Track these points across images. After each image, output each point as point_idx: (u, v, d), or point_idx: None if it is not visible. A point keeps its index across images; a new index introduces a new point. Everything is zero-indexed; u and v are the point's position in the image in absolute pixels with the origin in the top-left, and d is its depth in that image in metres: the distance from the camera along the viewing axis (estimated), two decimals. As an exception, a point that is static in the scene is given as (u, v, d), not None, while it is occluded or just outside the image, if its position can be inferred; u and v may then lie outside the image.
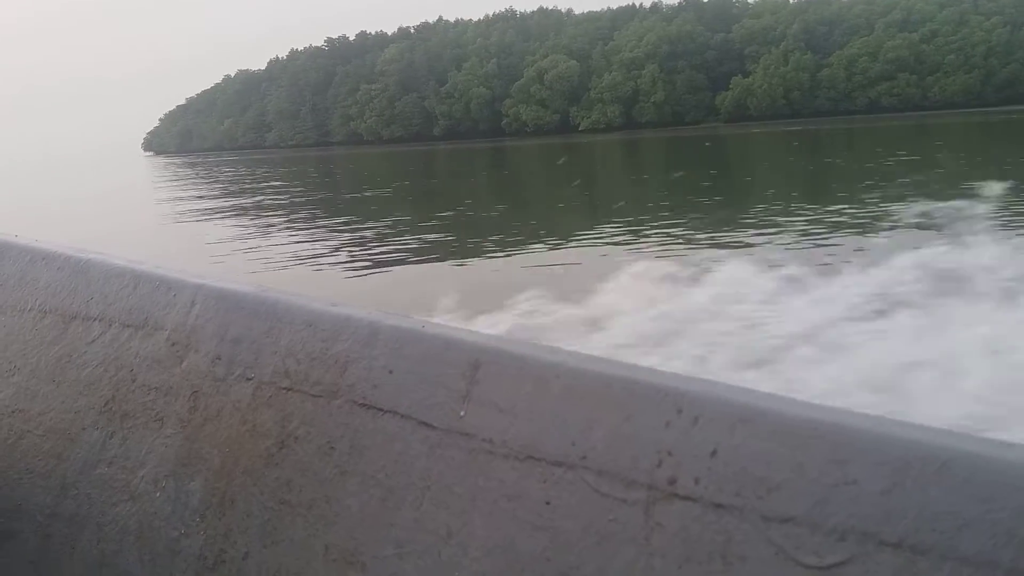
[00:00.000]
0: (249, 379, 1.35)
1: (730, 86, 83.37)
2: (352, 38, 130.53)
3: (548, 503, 1.08)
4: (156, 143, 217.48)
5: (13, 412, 1.51)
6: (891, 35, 74.94)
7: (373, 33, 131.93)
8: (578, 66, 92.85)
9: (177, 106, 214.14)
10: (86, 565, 1.38)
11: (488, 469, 1.13)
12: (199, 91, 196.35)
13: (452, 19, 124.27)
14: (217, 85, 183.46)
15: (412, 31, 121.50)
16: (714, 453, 1.00)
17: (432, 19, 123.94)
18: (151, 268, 1.51)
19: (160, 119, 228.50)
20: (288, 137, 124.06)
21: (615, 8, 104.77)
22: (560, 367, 1.12)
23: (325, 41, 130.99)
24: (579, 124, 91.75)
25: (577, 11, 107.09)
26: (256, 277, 11.74)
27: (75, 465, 1.44)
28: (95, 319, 1.51)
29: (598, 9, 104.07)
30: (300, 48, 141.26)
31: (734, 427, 0.99)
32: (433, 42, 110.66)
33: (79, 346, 1.50)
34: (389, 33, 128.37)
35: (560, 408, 1.10)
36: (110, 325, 1.50)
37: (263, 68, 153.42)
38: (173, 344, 1.42)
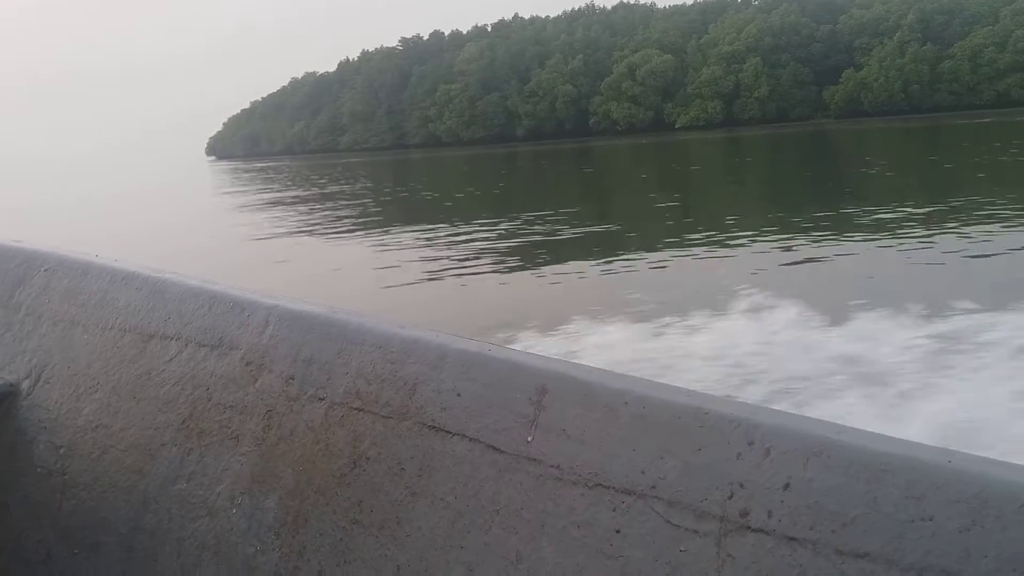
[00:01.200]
0: (321, 399, 1.40)
1: (841, 80, 78.99)
2: (426, 37, 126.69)
3: (618, 531, 1.09)
4: (220, 148, 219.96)
5: (96, 427, 1.59)
6: (1020, 23, 69.27)
7: (447, 32, 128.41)
8: (673, 60, 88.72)
9: (242, 110, 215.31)
10: None
11: (557, 495, 1.15)
12: (264, 95, 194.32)
13: (527, 16, 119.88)
14: (284, 88, 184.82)
15: (489, 29, 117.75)
16: (787, 486, 1.01)
17: (508, 16, 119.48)
18: (225, 288, 1.59)
19: (224, 123, 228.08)
20: (363, 140, 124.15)
21: (703, 1, 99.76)
22: (628, 395, 1.15)
23: (399, 41, 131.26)
24: (675, 121, 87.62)
25: (661, 5, 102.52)
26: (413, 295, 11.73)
27: (155, 480, 1.51)
28: (172, 338, 1.58)
29: (686, 2, 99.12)
30: (372, 49, 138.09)
31: (807, 460, 1.00)
32: (514, 39, 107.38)
33: (157, 364, 1.57)
34: (464, 31, 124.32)
35: (629, 436, 1.13)
36: (187, 344, 1.56)
37: (333, 70, 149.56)
38: (247, 364, 1.48)
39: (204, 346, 1.54)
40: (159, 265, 1.70)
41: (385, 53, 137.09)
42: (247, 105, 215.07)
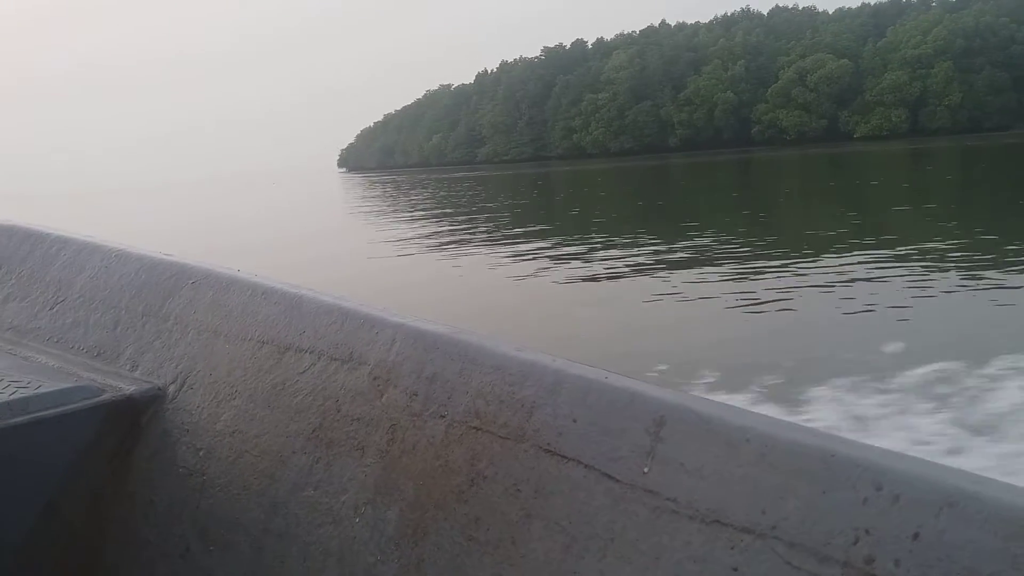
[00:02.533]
0: (443, 416, 1.44)
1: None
2: (568, 46, 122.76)
3: (735, 569, 1.09)
4: (352, 160, 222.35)
5: (233, 432, 1.67)
6: None
7: (590, 41, 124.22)
8: (850, 65, 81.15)
9: (374, 123, 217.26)
10: None
11: (673, 529, 1.15)
12: (397, 108, 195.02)
13: (673, 23, 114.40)
14: (419, 101, 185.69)
15: (636, 35, 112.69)
16: (916, 536, 0.98)
17: (654, 23, 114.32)
18: (356, 305, 1.65)
19: (356, 136, 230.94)
20: (503, 152, 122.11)
21: (875, 3, 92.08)
22: (751, 431, 1.14)
23: (541, 50, 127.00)
24: (853, 131, 79.97)
25: (821, 8, 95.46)
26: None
27: (285, 486, 1.57)
28: (306, 351, 1.65)
29: (852, 5, 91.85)
30: (511, 60, 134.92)
31: (940, 510, 0.98)
32: (666, 46, 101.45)
33: (292, 375, 1.65)
34: (607, 39, 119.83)
35: (749, 474, 1.12)
36: (319, 358, 1.63)
37: (471, 82, 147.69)
38: (375, 379, 1.54)
39: (335, 360, 1.61)
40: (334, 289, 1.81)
41: (526, 63, 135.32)
42: (380, 118, 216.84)
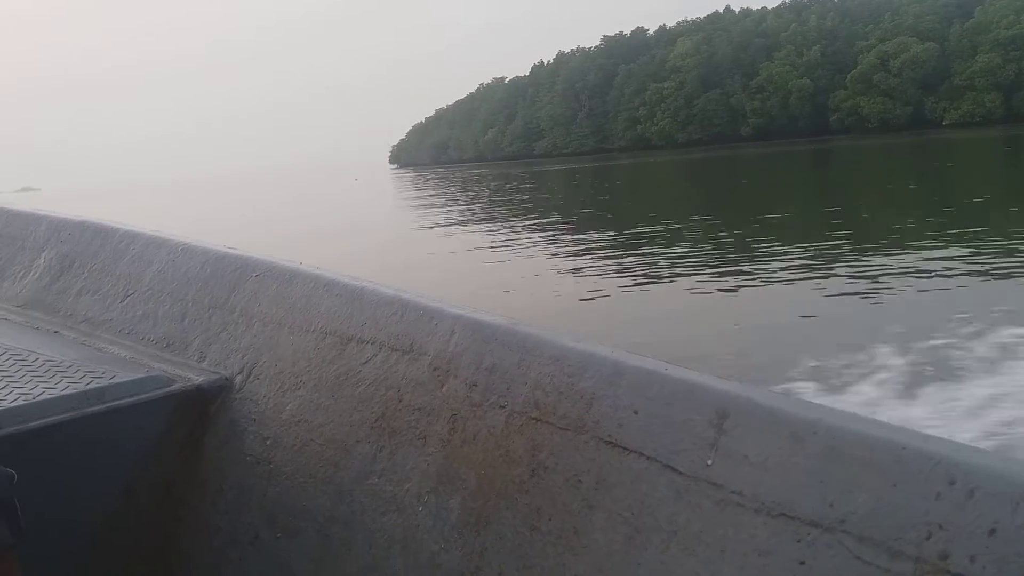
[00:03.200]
0: (502, 407, 1.46)
1: None
2: (627, 34, 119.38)
3: (802, 563, 1.09)
4: (404, 156, 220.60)
5: (299, 422, 1.73)
6: None
7: (651, 29, 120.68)
8: (936, 48, 76.64)
9: (426, 119, 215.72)
10: (359, 567, 1.56)
11: (738, 522, 1.15)
12: (450, 102, 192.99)
13: (738, 9, 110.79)
14: (472, 94, 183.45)
15: (701, 21, 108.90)
16: (992, 532, 0.97)
17: (718, 9, 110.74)
18: (415, 297, 1.69)
19: (408, 132, 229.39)
20: (562, 145, 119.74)
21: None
22: (817, 424, 1.14)
23: (601, 39, 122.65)
24: (942, 117, 75.36)
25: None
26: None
27: (350, 474, 1.62)
28: (368, 342, 1.70)
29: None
30: (568, 50, 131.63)
31: (1017, 506, 0.96)
32: (735, 32, 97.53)
33: (354, 366, 1.70)
34: (668, 26, 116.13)
35: (817, 467, 1.11)
36: (380, 348, 1.67)
37: (526, 74, 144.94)
38: (435, 369, 1.58)
39: (396, 351, 1.65)
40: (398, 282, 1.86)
41: (585, 54, 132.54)
42: (431, 113, 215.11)
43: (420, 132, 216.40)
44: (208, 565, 1.75)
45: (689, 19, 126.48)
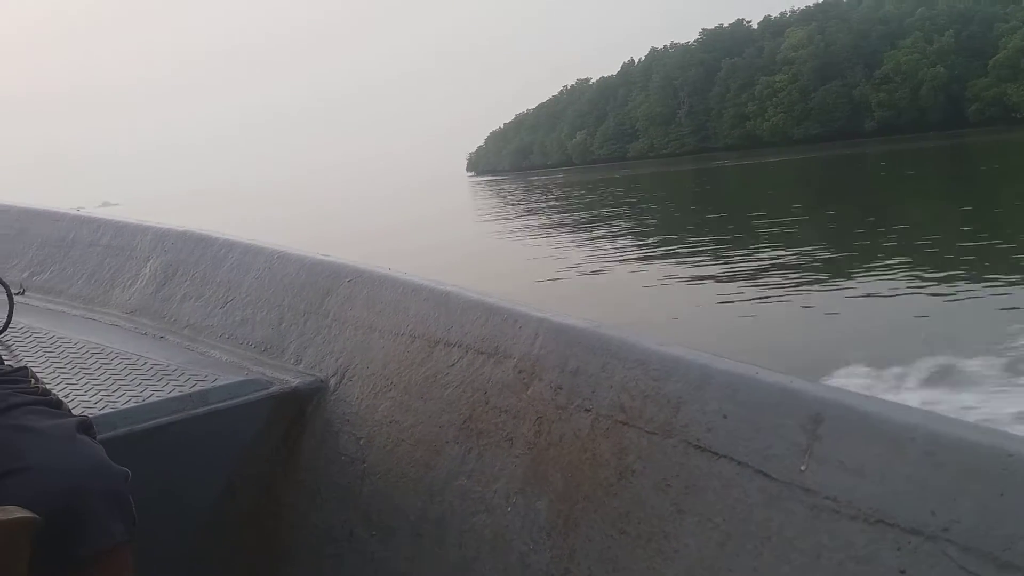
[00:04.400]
0: (588, 410, 1.49)
1: None
2: (727, 26, 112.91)
3: (903, 572, 1.07)
4: (483, 163, 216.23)
5: (391, 422, 1.80)
6: None
7: (754, 21, 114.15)
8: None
9: (504, 124, 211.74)
10: (450, 566, 1.61)
11: (833, 528, 1.15)
12: (529, 107, 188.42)
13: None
14: (555, 98, 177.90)
15: (810, 9, 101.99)
16: None
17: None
18: (499, 301, 1.75)
19: (486, 138, 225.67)
20: (660, 145, 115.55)
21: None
22: (917, 430, 1.13)
23: (700, 33, 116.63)
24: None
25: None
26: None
27: (440, 474, 1.67)
28: (454, 345, 1.76)
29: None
30: (660, 46, 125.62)
31: None
32: (853, 19, 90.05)
33: (442, 368, 1.76)
34: (773, 16, 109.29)
35: (916, 474, 1.10)
36: (467, 351, 1.74)
37: (613, 74, 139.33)
38: (520, 372, 1.62)
39: (482, 353, 1.71)
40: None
41: (682, 49, 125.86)
42: (510, 118, 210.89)
43: (499, 138, 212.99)
44: (306, 561, 1.84)
45: (796, 8, 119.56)
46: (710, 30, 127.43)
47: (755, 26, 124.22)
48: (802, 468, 1.20)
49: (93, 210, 3.50)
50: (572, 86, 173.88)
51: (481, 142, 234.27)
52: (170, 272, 2.48)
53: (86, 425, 1.33)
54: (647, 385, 1.42)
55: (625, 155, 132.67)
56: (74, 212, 3.06)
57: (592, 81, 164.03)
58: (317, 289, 2.09)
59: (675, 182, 51.75)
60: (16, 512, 1.09)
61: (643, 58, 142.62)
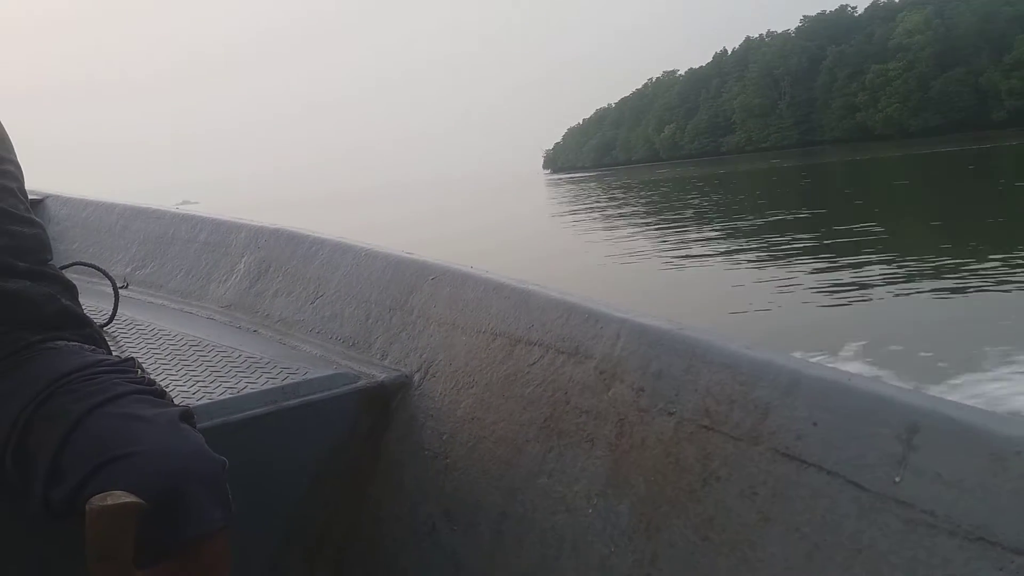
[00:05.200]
0: (671, 413, 1.48)
1: None
2: (829, 12, 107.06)
3: None
4: (561, 160, 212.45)
5: (472, 419, 1.83)
6: None
7: (859, 6, 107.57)
8: None
9: (583, 120, 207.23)
10: (530, 565, 1.62)
11: (930, 544, 1.12)
12: (609, 102, 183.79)
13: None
14: (638, 91, 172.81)
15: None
16: None
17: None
18: (580, 300, 1.75)
19: (563, 135, 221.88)
20: (759, 138, 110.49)
21: None
22: (1022, 442, 1.09)
23: (801, 20, 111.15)
24: None
25: None
26: None
27: (521, 473, 1.69)
28: (535, 344, 1.77)
29: None
30: (756, 35, 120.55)
31: None
32: (975, 2, 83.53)
33: (523, 367, 1.77)
34: (882, 2, 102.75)
35: (1022, 488, 1.07)
36: (547, 350, 1.74)
37: (700, 65, 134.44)
38: (601, 372, 1.62)
39: (562, 353, 1.72)
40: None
41: (782, 37, 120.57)
42: (589, 114, 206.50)
43: (578, 134, 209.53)
44: (389, 553, 1.90)
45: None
46: (812, 17, 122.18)
47: (860, 12, 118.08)
48: (897, 480, 1.17)
49: (143, 203, 3.47)
50: (658, 79, 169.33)
51: (558, 139, 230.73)
52: (263, 268, 2.59)
53: (188, 415, 1.42)
54: (733, 390, 1.40)
55: (719, 149, 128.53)
56: (174, 210, 3.17)
57: (679, 73, 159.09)
58: (402, 286, 2.16)
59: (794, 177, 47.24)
60: (123, 497, 1.15)
61: (737, 48, 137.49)
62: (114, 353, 1.65)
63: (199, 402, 1.80)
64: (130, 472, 1.24)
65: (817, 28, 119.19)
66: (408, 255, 2.25)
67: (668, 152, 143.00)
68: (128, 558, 1.16)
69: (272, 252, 2.61)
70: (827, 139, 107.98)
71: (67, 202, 3.52)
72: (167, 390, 1.53)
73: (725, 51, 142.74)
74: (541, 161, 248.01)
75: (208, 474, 1.30)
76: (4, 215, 1.56)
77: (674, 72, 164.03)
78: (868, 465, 1.20)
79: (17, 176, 1.64)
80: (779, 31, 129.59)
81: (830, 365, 1.35)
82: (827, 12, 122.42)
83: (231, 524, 1.32)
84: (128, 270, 2.99)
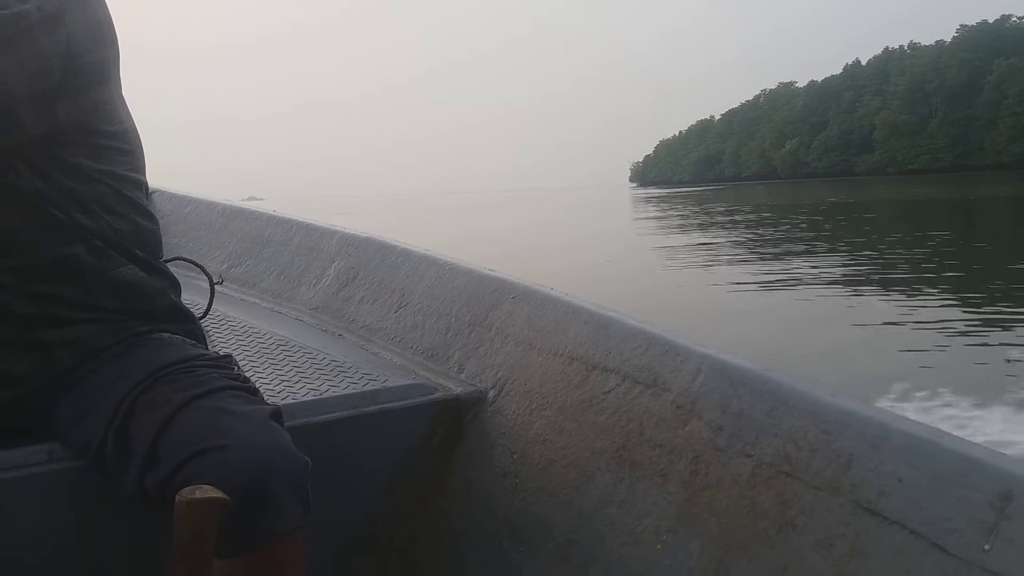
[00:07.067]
0: (749, 456, 1.47)
1: None
2: (992, 21, 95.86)
3: None
4: (652, 173, 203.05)
5: (544, 441, 1.85)
6: None
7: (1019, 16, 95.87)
8: None
9: (679, 132, 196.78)
10: None
11: None
12: (709, 114, 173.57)
13: None
14: (748, 103, 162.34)
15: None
16: None
17: None
18: (661, 331, 1.76)
19: (655, 147, 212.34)
20: (904, 159, 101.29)
21: None
22: None
23: (958, 29, 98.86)
24: None
25: None
26: None
27: (590, 500, 1.70)
28: (612, 371, 1.78)
29: None
30: (895, 46, 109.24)
31: None
32: None
33: (597, 394, 1.78)
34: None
35: None
36: (624, 379, 1.74)
37: (822, 78, 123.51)
38: (678, 407, 1.62)
39: (639, 383, 1.72)
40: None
41: (935, 49, 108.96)
42: (684, 127, 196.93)
43: (675, 147, 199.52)
44: (453, 566, 1.97)
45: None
46: (971, 26, 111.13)
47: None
48: (986, 548, 1.13)
49: (241, 203, 3.70)
50: (772, 90, 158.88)
51: (649, 151, 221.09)
52: (351, 275, 2.70)
53: (277, 413, 1.49)
54: (816, 437, 1.39)
55: (852, 169, 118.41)
56: (271, 212, 3.32)
57: (798, 85, 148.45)
58: (483, 302, 2.22)
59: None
60: (211, 492, 1.23)
61: (873, 58, 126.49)
62: (210, 347, 1.80)
63: (283, 401, 1.88)
64: (220, 463, 1.32)
65: (979, 39, 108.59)
66: (490, 272, 2.31)
67: (789, 169, 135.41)
68: (210, 550, 1.24)
69: (361, 259, 2.72)
70: (990, 163, 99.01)
71: (172, 197, 3.68)
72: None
73: (858, 62, 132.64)
74: (627, 174, 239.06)
75: (292, 472, 1.37)
76: (132, 205, 1.67)
77: (791, 84, 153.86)
78: (955, 529, 1.17)
79: (144, 171, 1.74)
80: (924, 42, 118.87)
81: (921, 422, 1.32)
82: (989, 21, 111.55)
83: (308, 524, 1.40)
84: (224, 267, 3.14)
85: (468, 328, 2.21)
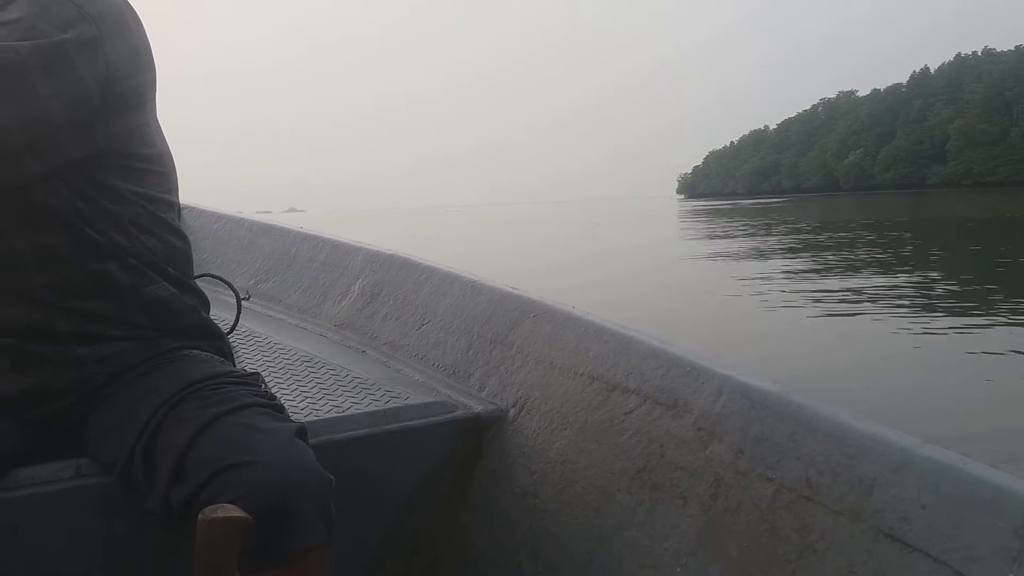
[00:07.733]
0: (770, 479, 1.46)
1: None
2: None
3: None
4: (702, 185, 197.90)
5: (564, 461, 1.85)
6: None
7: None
8: None
9: (732, 142, 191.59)
10: None
11: None
12: (760, 126, 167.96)
13: None
14: (807, 112, 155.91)
15: None
16: None
17: None
18: (683, 352, 1.76)
19: (704, 158, 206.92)
20: (983, 171, 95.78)
21: None
22: None
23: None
24: None
25: None
26: None
27: (610, 522, 1.70)
28: (632, 392, 1.78)
29: None
30: (967, 52, 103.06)
31: None
32: None
33: (618, 414, 1.78)
34: None
35: None
36: (644, 400, 1.74)
37: (885, 87, 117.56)
38: (699, 429, 1.61)
39: (660, 404, 1.71)
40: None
41: (1015, 54, 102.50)
42: (735, 137, 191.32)
43: (727, 158, 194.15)
44: None
45: None
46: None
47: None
48: None
49: (280, 215, 4.33)
50: (831, 100, 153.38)
51: (695, 161, 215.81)
52: (375, 291, 2.73)
53: (303, 431, 1.52)
54: (838, 462, 1.39)
55: (924, 181, 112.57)
56: (298, 229, 3.37)
57: (859, 93, 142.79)
58: (504, 320, 2.24)
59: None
60: (233, 511, 1.25)
61: (944, 64, 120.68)
62: (236, 363, 1.85)
63: (307, 418, 1.88)
64: (245, 480, 1.35)
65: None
66: (512, 290, 2.33)
67: (852, 181, 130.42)
68: (232, 568, 1.26)
69: (385, 276, 2.75)
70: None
71: (200, 214, 3.72)
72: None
73: (927, 69, 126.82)
74: (675, 185, 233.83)
75: (317, 489, 1.39)
76: (165, 225, 1.70)
77: (852, 92, 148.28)
78: (979, 557, 1.17)
79: (177, 192, 1.78)
80: (1000, 48, 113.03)
81: (944, 448, 1.31)
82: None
83: (332, 541, 1.43)
84: (251, 283, 3.19)
85: (490, 346, 2.22)
